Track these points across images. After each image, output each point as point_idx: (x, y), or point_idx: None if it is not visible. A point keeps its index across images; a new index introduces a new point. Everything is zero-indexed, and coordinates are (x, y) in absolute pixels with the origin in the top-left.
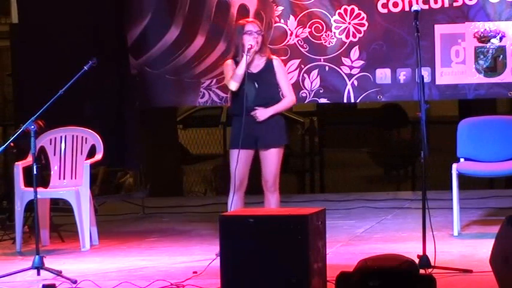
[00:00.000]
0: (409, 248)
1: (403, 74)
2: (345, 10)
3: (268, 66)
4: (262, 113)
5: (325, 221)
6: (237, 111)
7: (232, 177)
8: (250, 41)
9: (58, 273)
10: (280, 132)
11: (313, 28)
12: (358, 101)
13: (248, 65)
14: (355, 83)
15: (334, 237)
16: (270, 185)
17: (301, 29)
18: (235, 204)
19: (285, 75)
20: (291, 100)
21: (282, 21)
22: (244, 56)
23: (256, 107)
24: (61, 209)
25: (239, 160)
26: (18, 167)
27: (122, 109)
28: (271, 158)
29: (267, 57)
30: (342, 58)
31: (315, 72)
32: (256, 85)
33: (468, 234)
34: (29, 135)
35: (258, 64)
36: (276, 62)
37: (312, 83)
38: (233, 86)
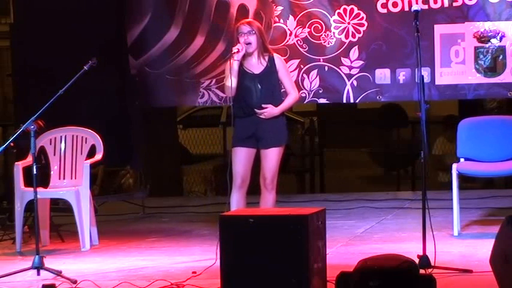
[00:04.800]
0: (409, 248)
1: (402, 74)
2: (344, 10)
3: (270, 65)
4: (270, 113)
5: (325, 221)
6: (239, 113)
7: (234, 175)
8: (237, 45)
9: (58, 273)
10: (281, 132)
11: (312, 28)
12: (357, 101)
13: (249, 66)
14: (355, 83)
15: (334, 237)
16: (268, 182)
17: (301, 29)
18: (237, 202)
19: (287, 72)
20: (295, 97)
21: (282, 21)
22: (234, 63)
23: (262, 109)
24: (61, 209)
25: (241, 159)
26: (18, 167)
27: (122, 109)
28: (271, 157)
29: (268, 55)
30: (342, 58)
31: (314, 72)
32: (259, 86)
33: (468, 234)
34: (29, 135)
35: (259, 64)
36: (278, 59)
37: (311, 83)
38: (228, 94)
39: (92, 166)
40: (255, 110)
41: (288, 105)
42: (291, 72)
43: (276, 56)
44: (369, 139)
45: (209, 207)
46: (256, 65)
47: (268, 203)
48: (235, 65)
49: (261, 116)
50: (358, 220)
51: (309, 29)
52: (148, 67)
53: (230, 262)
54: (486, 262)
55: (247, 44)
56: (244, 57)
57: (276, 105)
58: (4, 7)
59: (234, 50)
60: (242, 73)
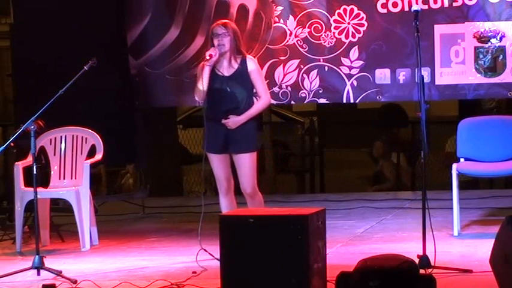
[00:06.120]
0: (409, 248)
1: (402, 74)
2: (344, 10)
3: (241, 67)
4: (233, 122)
5: (325, 221)
6: (209, 116)
7: (217, 182)
8: (210, 50)
9: (58, 273)
10: (250, 137)
11: (312, 28)
12: (357, 101)
13: (220, 67)
14: (355, 83)
15: (334, 237)
16: (248, 191)
17: (301, 29)
18: (227, 207)
19: (259, 74)
20: (265, 102)
21: (282, 21)
22: (205, 68)
23: (229, 112)
24: (61, 209)
25: (218, 166)
26: (18, 167)
27: (122, 109)
28: (243, 163)
29: (241, 57)
30: (342, 58)
31: (314, 73)
32: (228, 89)
33: (468, 234)
34: (29, 135)
35: (231, 66)
36: (250, 61)
37: (311, 83)
38: (197, 98)
39: (92, 166)
40: (221, 119)
41: (256, 110)
42: (290, 72)
43: (248, 58)
44: (369, 139)
45: (209, 207)
46: (227, 67)
47: (255, 206)
48: (207, 71)
49: (228, 127)
50: (358, 220)
51: (309, 29)
52: (148, 67)
53: (230, 262)
54: (486, 262)
55: (220, 45)
56: (217, 58)
57: (247, 109)
58: (4, 7)
59: (207, 56)
60: (213, 75)
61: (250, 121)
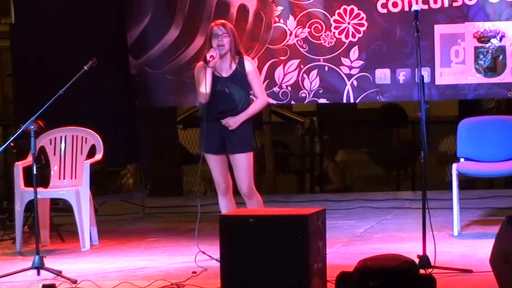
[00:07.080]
0: (409, 248)
1: (402, 74)
2: (344, 10)
3: (240, 68)
4: (234, 122)
5: (325, 221)
6: (206, 116)
7: (215, 182)
8: (210, 51)
9: (58, 273)
10: (246, 137)
11: (312, 28)
12: (357, 101)
13: (219, 69)
14: (355, 83)
15: (334, 237)
16: (244, 191)
17: (301, 29)
18: (226, 207)
19: (256, 75)
20: (262, 102)
21: (282, 21)
22: (208, 70)
23: (225, 112)
24: (61, 209)
25: (216, 166)
26: (18, 167)
27: (122, 109)
28: (239, 163)
29: (239, 58)
30: (342, 58)
31: (314, 73)
32: (227, 90)
33: (468, 234)
34: (29, 135)
35: (229, 67)
36: (247, 61)
37: (311, 83)
38: (201, 101)
39: (92, 166)
40: (218, 119)
41: (254, 110)
42: (291, 72)
43: (246, 58)
44: (369, 139)
45: (209, 207)
46: (226, 68)
47: (253, 207)
48: (209, 73)
49: (229, 127)
50: (358, 220)
51: (309, 29)
52: (148, 67)
53: (230, 262)
54: (486, 262)
55: (219, 46)
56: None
57: (245, 110)
58: (4, 7)
59: (208, 57)
60: (212, 77)
61: (246, 121)
